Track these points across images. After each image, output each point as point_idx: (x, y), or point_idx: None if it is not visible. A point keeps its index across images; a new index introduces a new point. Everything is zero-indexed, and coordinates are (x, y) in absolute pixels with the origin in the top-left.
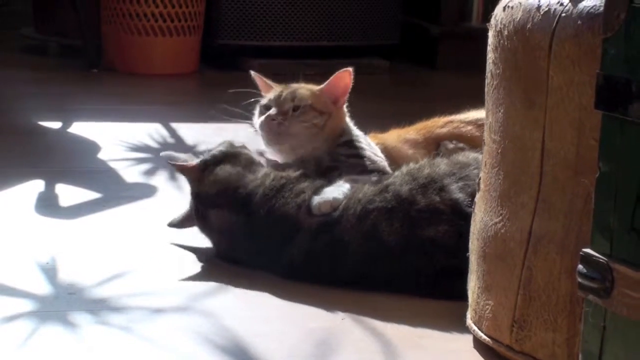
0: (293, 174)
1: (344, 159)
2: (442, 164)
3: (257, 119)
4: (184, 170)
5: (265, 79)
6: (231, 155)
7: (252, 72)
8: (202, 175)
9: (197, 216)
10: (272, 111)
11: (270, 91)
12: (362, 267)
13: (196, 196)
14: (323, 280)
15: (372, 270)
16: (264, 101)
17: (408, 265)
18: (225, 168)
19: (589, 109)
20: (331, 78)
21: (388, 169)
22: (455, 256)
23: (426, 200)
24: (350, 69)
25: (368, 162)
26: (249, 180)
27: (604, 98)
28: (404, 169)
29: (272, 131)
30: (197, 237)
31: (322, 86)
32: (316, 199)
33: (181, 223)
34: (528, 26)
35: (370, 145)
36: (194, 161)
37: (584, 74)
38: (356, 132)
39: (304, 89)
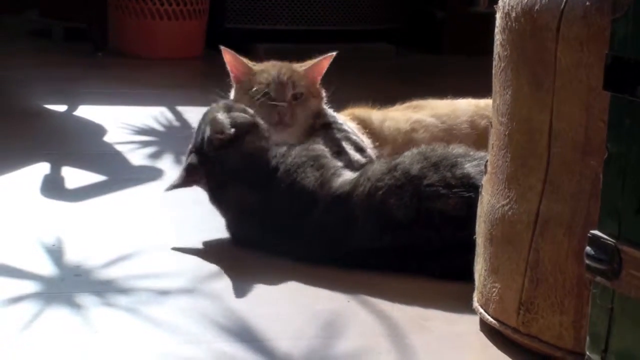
0: (313, 153)
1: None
2: (457, 148)
3: (256, 106)
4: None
5: (238, 56)
6: (253, 126)
7: (222, 48)
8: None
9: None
10: (282, 105)
11: (244, 69)
12: (371, 242)
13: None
14: (333, 254)
15: (381, 244)
16: (257, 86)
17: (417, 239)
18: (254, 142)
19: (598, 91)
20: (318, 60)
21: (369, 150)
22: (464, 229)
23: (438, 176)
24: (334, 53)
25: (354, 147)
26: (271, 156)
27: (613, 79)
28: (415, 149)
29: (283, 123)
30: (203, 221)
31: (305, 67)
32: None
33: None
34: (536, 7)
35: (349, 127)
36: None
37: (593, 55)
38: (332, 113)
39: (295, 72)
